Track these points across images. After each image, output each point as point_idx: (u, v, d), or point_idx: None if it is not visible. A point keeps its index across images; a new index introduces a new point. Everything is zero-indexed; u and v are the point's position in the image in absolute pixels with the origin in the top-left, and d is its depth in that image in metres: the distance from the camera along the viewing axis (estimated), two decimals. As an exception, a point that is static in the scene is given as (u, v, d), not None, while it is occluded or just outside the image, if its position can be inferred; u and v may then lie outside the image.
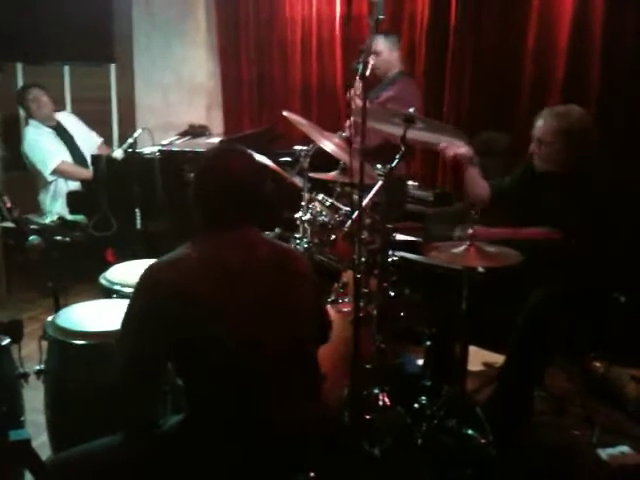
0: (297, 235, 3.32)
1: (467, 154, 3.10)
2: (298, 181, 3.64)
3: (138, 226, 4.08)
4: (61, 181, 4.97)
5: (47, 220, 4.78)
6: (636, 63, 3.99)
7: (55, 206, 4.95)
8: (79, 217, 4.68)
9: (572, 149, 2.97)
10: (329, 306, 3.18)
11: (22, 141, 5.03)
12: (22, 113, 5.61)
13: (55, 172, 4.93)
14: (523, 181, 3.20)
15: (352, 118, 4.24)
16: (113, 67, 5.90)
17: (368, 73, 4.04)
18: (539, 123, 3.05)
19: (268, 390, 1.85)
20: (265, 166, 2.17)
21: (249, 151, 2.00)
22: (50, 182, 4.97)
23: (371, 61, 4.19)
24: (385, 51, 4.24)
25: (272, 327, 1.85)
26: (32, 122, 5.07)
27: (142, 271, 1.85)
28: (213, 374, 1.82)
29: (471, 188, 3.22)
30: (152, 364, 1.86)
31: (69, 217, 4.75)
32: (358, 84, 3.82)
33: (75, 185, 4.94)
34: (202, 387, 1.85)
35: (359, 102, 3.94)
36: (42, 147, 4.96)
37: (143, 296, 1.84)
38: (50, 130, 5.07)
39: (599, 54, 4.08)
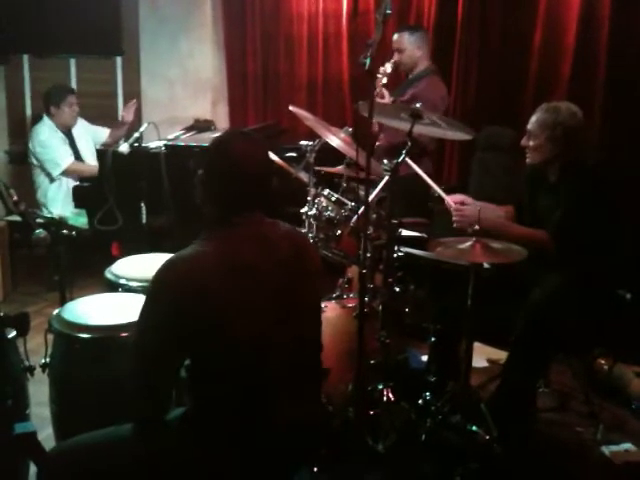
0: (303, 230, 3.32)
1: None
2: (304, 176, 3.64)
3: (143, 221, 4.08)
4: (64, 183, 4.96)
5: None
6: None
7: (55, 207, 4.96)
8: (78, 220, 4.70)
9: (555, 144, 3.00)
10: (334, 301, 3.19)
11: (31, 137, 5.01)
12: (30, 108, 5.62)
13: (65, 172, 4.95)
14: (533, 184, 3.22)
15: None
16: (119, 61, 5.91)
17: (390, 70, 4.10)
18: (532, 117, 3.09)
19: (272, 387, 1.85)
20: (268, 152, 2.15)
21: (256, 136, 1.98)
22: (52, 183, 4.97)
23: (395, 58, 4.18)
24: (409, 48, 4.16)
25: (283, 325, 1.84)
26: (47, 122, 5.04)
27: (158, 267, 1.82)
28: (221, 369, 1.82)
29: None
30: (168, 362, 1.83)
31: (69, 221, 4.77)
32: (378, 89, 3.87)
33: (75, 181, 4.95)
34: (208, 381, 1.85)
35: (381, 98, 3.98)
36: (54, 147, 4.95)
37: (160, 292, 1.81)
38: (62, 136, 5.07)
39: (605, 51, 4.07)
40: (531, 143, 3.05)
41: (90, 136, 5.29)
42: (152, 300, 1.82)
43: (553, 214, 2.97)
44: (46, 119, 5.04)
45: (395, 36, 4.20)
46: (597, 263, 2.98)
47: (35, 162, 4.99)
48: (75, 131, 5.19)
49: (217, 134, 5.04)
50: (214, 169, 1.91)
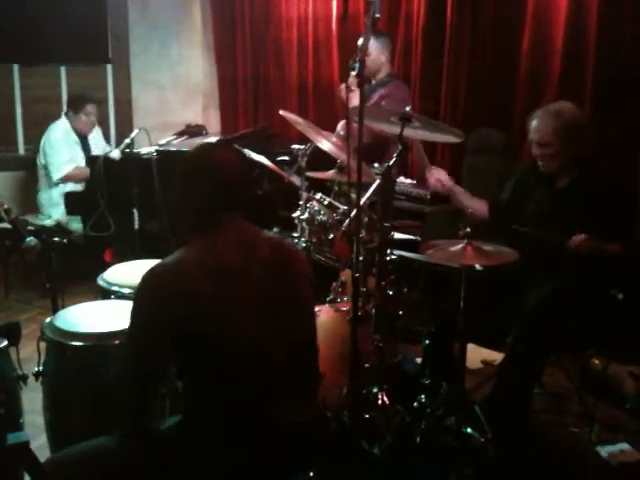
0: (295, 234, 3.32)
1: (445, 180, 3.22)
2: (296, 180, 3.64)
3: (136, 226, 4.07)
4: (66, 187, 4.99)
5: (45, 222, 4.87)
6: (630, 62, 4.00)
7: (56, 210, 4.97)
8: (77, 226, 4.69)
9: (572, 144, 2.97)
10: (328, 305, 3.19)
11: (46, 134, 5.08)
12: (20, 115, 5.63)
13: (63, 179, 4.99)
14: (527, 186, 3.20)
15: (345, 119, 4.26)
16: (110, 67, 5.90)
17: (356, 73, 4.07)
18: (534, 126, 3.03)
19: (268, 390, 1.85)
20: (249, 159, 2.16)
21: (233, 145, 2.01)
22: (56, 184, 5.00)
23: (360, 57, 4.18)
24: (374, 52, 4.18)
25: (273, 327, 1.84)
26: (64, 121, 5.15)
27: (142, 275, 1.83)
28: (213, 375, 1.81)
29: (465, 208, 3.27)
30: (156, 367, 1.86)
31: (67, 224, 4.78)
32: (352, 80, 3.83)
33: (74, 186, 4.96)
34: (202, 388, 1.85)
35: (352, 97, 3.95)
36: (62, 151, 5.01)
37: (145, 300, 1.82)
38: (77, 138, 5.15)
39: (594, 53, 4.09)
40: (547, 152, 2.99)
41: (102, 145, 5.39)
42: (137, 306, 1.84)
43: (565, 218, 2.95)
44: (64, 119, 5.18)
45: (360, 40, 4.18)
46: (597, 264, 2.97)
47: (42, 162, 5.06)
48: (91, 137, 5.30)
49: (208, 139, 5.10)
50: (193, 176, 1.93)
